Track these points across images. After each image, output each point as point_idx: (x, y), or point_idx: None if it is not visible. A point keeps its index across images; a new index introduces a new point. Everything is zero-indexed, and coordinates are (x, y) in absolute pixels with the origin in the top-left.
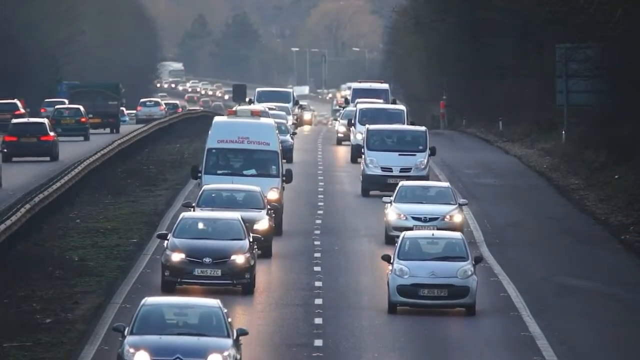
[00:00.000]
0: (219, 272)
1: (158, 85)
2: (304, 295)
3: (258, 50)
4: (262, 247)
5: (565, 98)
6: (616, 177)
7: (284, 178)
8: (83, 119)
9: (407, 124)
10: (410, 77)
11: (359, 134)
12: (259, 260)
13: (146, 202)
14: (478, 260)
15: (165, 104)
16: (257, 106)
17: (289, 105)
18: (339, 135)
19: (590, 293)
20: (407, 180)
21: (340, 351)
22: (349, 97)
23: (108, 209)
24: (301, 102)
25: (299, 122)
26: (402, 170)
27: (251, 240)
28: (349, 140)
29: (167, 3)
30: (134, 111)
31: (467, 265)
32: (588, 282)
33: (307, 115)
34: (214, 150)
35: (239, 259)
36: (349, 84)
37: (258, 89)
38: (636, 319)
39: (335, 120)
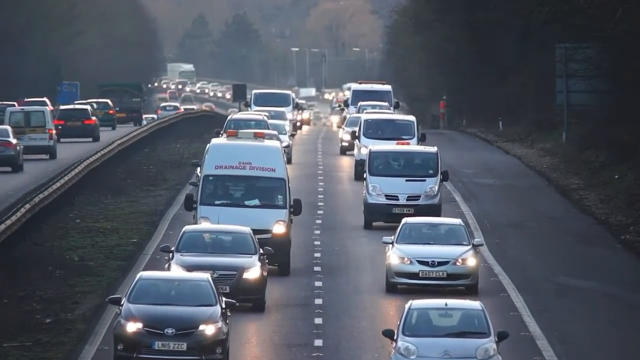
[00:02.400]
0: (184, 346)
1: (164, 86)
2: (304, 295)
3: (258, 50)
4: (253, 299)
5: (565, 98)
6: (616, 177)
7: (291, 209)
8: (111, 111)
9: (418, 136)
10: (410, 77)
11: (363, 149)
12: None
13: (146, 202)
14: (502, 336)
15: (165, 106)
16: (246, 114)
17: (287, 109)
18: (343, 144)
19: (590, 293)
20: (415, 209)
21: (340, 351)
22: (349, 100)
23: (108, 209)
24: (297, 101)
25: (298, 126)
26: (410, 198)
27: (260, 255)
28: (354, 150)
29: (167, 3)
30: (154, 115)
31: (488, 343)
32: (588, 282)
33: (304, 115)
34: (211, 178)
35: (209, 330)
36: (349, 85)
37: (254, 91)
38: (636, 319)
39: (335, 114)
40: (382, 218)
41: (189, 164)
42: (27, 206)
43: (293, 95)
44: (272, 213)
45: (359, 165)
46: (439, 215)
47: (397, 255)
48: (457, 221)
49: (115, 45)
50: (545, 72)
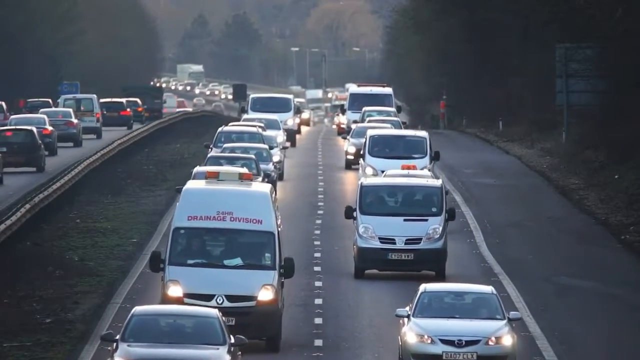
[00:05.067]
0: None
1: (173, 87)
2: (304, 295)
3: (258, 50)
4: None
5: (565, 98)
6: (616, 177)
7: (282, 270)
8: (139, 109)
9: (431, 154)
10: (410, 77)
11: (369, 169)
12: None
13: (146, 202)
14: None
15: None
16: (238, 125)
17: (288, 114)
18: (349, 157)
19: (590, 293)
20: (415, 254)
21: (340, 351)
22: (345, 104)
23: (108, 209)
24: (296, 103)
25: (297, 130)
26: (409, 241)
27: (230, 346)
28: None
29: (167, 3)
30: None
31: None
32: (588, 282)
33: (304, 115)
34: (182, 231)
35: None
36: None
37: (252, 95)
38: (636, 319)
39: (336, 115)
40: (375, 265)
41: (189, 164)
42: (27, 206)
43: (294, 98)
44: (258, 275)
45: None
46: (443, 263)
47: (414, 332)
48: (489, 289)
49: (115, 45)
50: (545, 72)
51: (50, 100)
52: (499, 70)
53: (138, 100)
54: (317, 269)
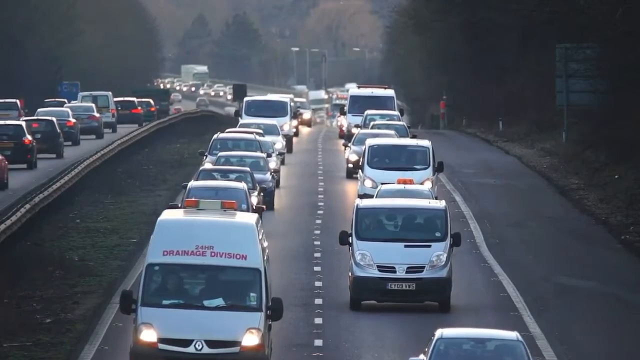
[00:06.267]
0: None
1: (177, 88)
2: (304, 295)
3: (258, 50)
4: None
5: (565, 98)
6: (616, 177)
7: (269, 312)
8: (152, 109)
9: (434, 165)
10: (410, 77)
11: (368, 181)
12: None
13: (146, 202)
14: None
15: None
16: (234, 132)
17: (284, 119)
18: (350, 165)
19: (590, 293)
20: (417, 284)
21: (340, 351)
22: (346, 106)
23: (108, 209)
24: (294, 104)
25: (295, 133)
26: (411, 269)
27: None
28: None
29: (167, 3)
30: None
31: None
32: (588, 282)
33: (306, 115)
34: (156, 268)
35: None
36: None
37: (246, 99)
38: (636, 319)
39: (338, 115)
40: (373, 296)
41: (189, 164)
42: (27, 206)
43: (293, 99)
44: (242, 318)
45: None
46: (448, 294)
47: None
48: (514, 335)
49: (115, 45)
50: (545, 72)
51: (66, 100)
52: (499, 70)
53: (151, 100)
54: (317, 269)
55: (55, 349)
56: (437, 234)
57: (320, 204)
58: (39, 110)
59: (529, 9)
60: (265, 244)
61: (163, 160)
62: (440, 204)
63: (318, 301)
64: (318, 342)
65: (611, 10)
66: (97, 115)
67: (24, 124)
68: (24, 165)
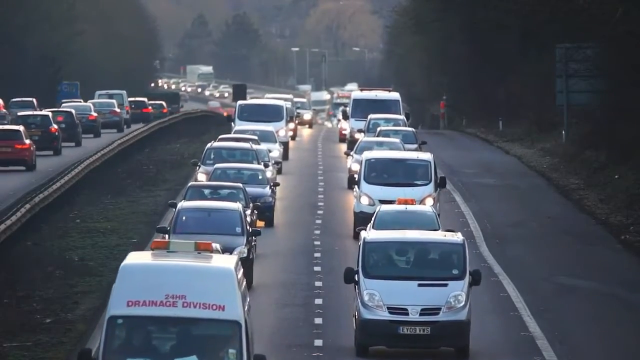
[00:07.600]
0: None
1: (183, 88)
2: (304, 295)
3: (258, 50)
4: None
5: (565, 98)
6: (616, 177)
7: None
8: (164, 110)
9: (436, 180)
10: (410, 77)
11: (364, 198)
12: (258, 260)
13: (146, 202)
14: None
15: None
16: (229, 140)
17: (280, 124)
18: (352, 174)
19: (590, 293)
20: (432, 328)
21: (340, 351)
22: (348, 111)
23: (108, 209)
24: (291, 106)
25: (292, 136)
26: (425, 312)
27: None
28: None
29: (167, 3)
30: None
31: None
32: (588, 282)
33: (306, 116)
34: (120, 321)
35: None
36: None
37: (239, 102)
38: (636, 319)
39: (338, 118)
40: (383, 341)
41: (189, 164)
42: (27, 206)
43: (291, 102)
44: None
45: (359, 220)
46: (467, 339)
47: None
48: None
49: (115, 45)
50: (545, 72)
51: (81, 100)
52: (499, 70)
53: (163, 102)
54: (317, 269)
55: (55, 349)
56: (455, 272)
57: (318, 221)
58: (62, 102)
59: (529, 9)
60: (247, 293)
61: (163, 160)
62: (458, 237)
63: (318, 301)
64: (318, 342)
65: (611, 10)
66: (118, 110)
67: (50, 114)
68: (51, 152)
